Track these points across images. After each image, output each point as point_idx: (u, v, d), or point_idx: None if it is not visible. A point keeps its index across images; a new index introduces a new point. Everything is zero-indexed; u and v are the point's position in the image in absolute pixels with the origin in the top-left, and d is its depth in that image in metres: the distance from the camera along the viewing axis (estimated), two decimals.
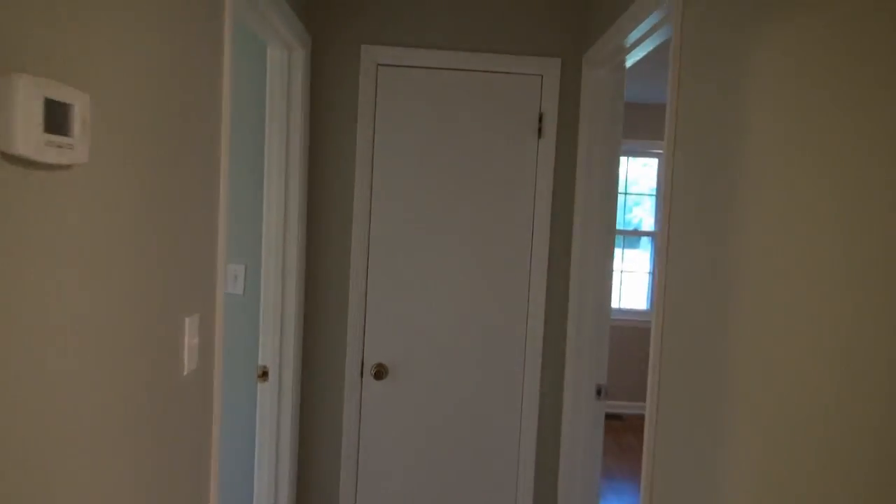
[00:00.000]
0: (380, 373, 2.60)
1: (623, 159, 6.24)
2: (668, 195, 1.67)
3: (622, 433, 5.43)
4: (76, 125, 0.85)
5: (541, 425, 2.66)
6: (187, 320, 1.37)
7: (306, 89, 2.48)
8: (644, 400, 5.94)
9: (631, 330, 5.91)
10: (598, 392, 2.56)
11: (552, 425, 2.66)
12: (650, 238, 6.09)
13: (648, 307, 6.03)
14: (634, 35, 2.15)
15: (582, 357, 2.57)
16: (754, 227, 1.26)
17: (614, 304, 6.13)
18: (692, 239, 1.54)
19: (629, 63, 2.40)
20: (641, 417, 5.83)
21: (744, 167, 1.31)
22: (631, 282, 6.26)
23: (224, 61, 1.52)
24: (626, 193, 6.20)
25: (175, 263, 1.29)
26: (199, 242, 1.42)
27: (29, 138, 0.75)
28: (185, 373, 1.37)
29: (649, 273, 6.06)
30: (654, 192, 6.12)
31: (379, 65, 2.57)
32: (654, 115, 5.80)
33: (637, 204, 6.26)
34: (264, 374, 2.47)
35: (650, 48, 2.23)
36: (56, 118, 0.80)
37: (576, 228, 2.56)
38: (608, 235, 2.54)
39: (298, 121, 2.44)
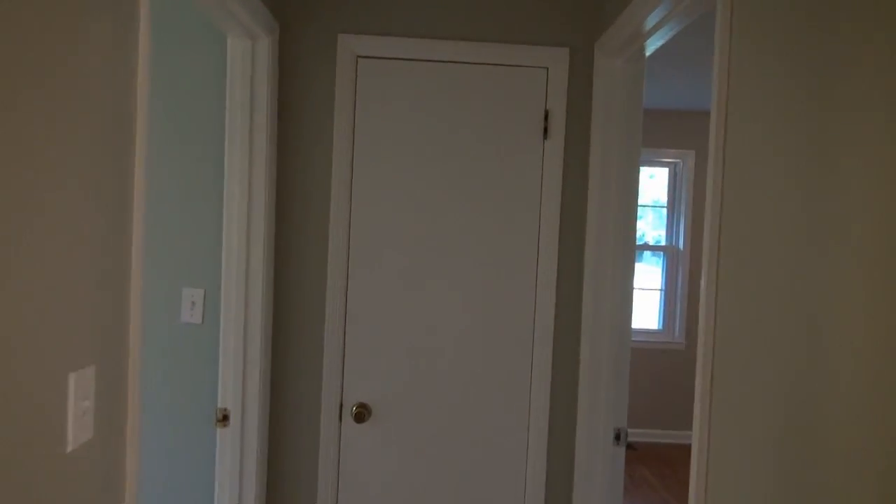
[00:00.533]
0: (361, 414, 2.22)
1: None
2: (716, 209, 1.31)
3: (634, 464, 5.04)
4: None
5: (550, 477, 2.28)
6: (73, 377, 1.00)
7: (273, 85, 2.13)
8: (660, 427, 5.54)
9: (642, 352, 5.53)
10: (617, 437, 2.18)
11: (563, 477, 2.28)
12: (661, 253, 5.72)
13: (660, 327, 5.65)
14: (656, 15, 1.80)
15: (598, 396, 2.19)
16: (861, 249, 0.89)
17: None
18: (759, 258, 1.18)
19: (649, 50, 2.05)
20: (656, 447, 5.43)
21: (845, 179, 0.95)
22: (638, 299, 5.88)
23: (139, 39, 1.17)
24: None
25: (48, 296, 0.93)
26: (94, 266, 1.05)
27: None
28: (71, 448, 1.00)
29: (661, 290, 5.68)
30: (664, 205, 5.75)
31: (359, 57, 2.22)
32: (661, 122, 5.45)
33: (640, 217, 5.90)
34: (224, 419, 2.10)
35: (676, 30, 1.88)
36: None
37: (589, 244, 2.20)
38: (627, 252, 2.17)
39: (263, 122, 2.08)
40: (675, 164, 5.55)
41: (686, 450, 5.32)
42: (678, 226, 5.53)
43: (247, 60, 2.07)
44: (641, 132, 2.19)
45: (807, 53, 1.06)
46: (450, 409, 2.26)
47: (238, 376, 2.10)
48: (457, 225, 2.25)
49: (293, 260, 2.25)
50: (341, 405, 2.25)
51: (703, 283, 1.34)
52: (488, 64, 2.23)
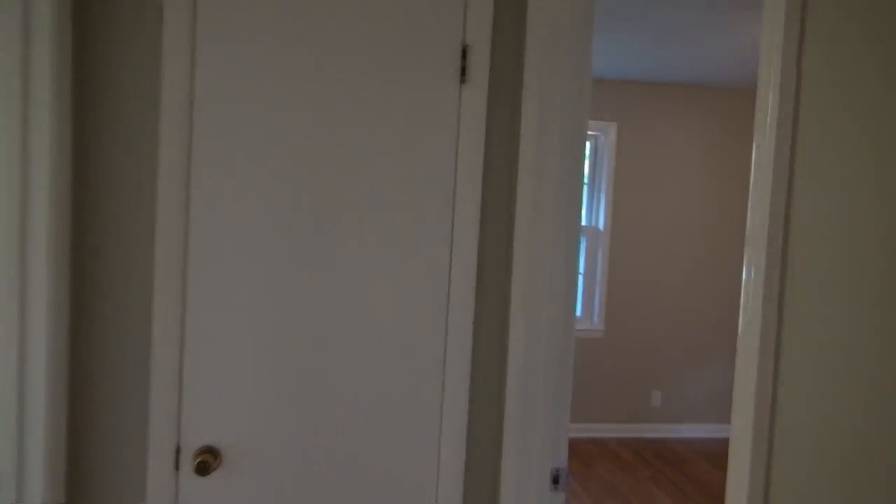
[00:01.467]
0: (206, 464, 1.59)
1: None
2: (780, 193, 0.80)
3: None
4: None
5: None
6: None
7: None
8: (575, 421, 5.16)
9: None
10: (555, 480, 1.67)
11: None
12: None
13: (577, 313, 5.25)
14: None
15: (530, 429, 1.66)
16: None
17: None
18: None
19: None
20: (572, 442, 5.06)
21: None
22: None
23: None
24: None
25: None
26: None
27: None
28: None
29: (579, 274, 5.28)
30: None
31: None
32: None
33: None
34: None
35: None
36: None
37: (520, 225, 1.65)
38: (570, 236, 1.64)
39: (46, 52, 1.39)
40: (596, 138, 5.13)
41: (603, 444, 4.98)
42: (598, 204, 5.13)
43: None
44: (590, 76, 1.65)
45: None
46: (332, 453, 1.67)
47: (9, 418, 1.41)
48: (341, 201, 1.63)
49: (103, 249, 1.57)
50: (178, 452, 1.61)
51: (752, 271, 0.84)
52: None
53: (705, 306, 5.12)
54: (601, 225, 5.10)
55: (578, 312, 5.26)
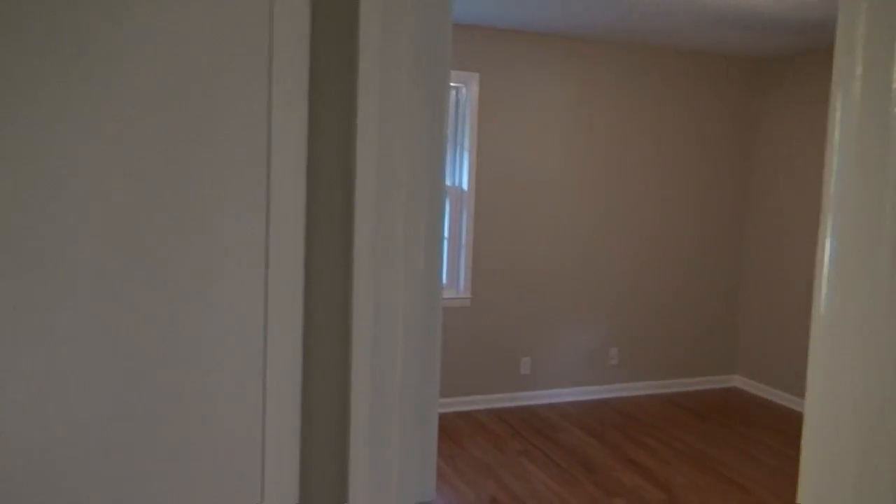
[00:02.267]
0: None
1: None
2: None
3: None
4: None
5: None
6: None
7: None
8: (443, 395, 4.87)
9: None
10: None
11: None
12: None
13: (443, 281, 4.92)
14: None
15: (385, 452, 1.24)
16: None
17: None
18: None
19: None
20: (440, 418, 4.77)
21: None
22: None
23: None
24: None
25: None
26: None
27: None
28: None
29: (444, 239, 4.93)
30: None
31: None
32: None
33: None
34: None
35: None
36: None
37: (362, 187, 1.19)
38: (433, 195, 1.22)
39: None
40: (457, 90, 4.75)
41: (472, 417, 4.73)
42: (461, 162, 4.78)
43: None
44: None
45: None
46: (120, 497, 1.15)
47: None
48: (104, 156, 1.10)
49: None
50: None
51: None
52: None
53: (572, 268, 4.97)
54: (465, 185, 4.76)
55: (443, 280, 4.93)
